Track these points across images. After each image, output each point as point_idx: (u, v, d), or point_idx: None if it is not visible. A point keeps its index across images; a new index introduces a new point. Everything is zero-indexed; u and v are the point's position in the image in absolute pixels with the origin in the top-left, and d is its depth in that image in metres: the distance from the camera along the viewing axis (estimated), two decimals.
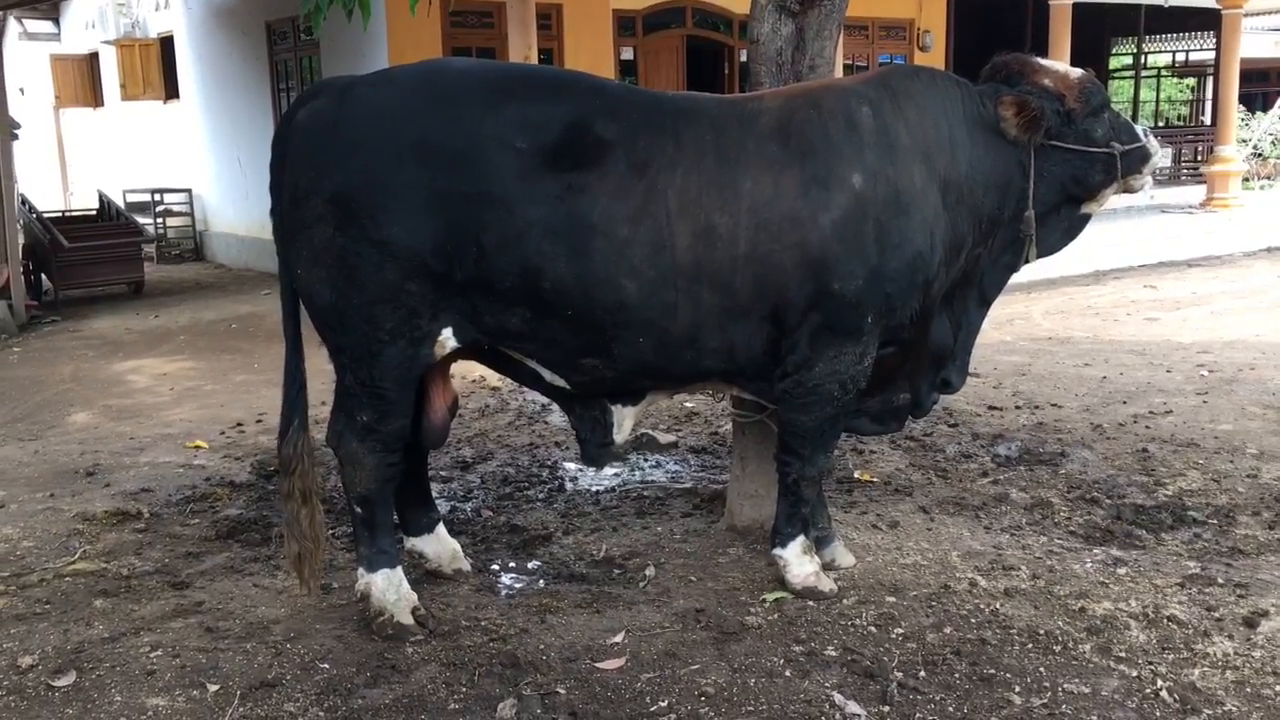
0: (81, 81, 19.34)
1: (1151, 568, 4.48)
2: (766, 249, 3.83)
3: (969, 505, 5.25)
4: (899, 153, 3.95)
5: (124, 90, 17.04)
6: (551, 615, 4.12)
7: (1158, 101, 24.89)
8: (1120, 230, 15.28)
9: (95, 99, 19.46)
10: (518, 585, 4.46)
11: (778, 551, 4.26)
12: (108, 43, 17.31)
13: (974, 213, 4.14)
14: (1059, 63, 4.49)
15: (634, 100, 3.93)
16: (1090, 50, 19.53)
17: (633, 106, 3.88)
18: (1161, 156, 4.53)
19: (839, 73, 13.83)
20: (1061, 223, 4.31)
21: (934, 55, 16.23)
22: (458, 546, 4.56)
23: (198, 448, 6.63)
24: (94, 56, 19.07)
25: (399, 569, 4.07)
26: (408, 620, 3.97)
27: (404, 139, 3.71)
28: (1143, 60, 21.19)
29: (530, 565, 4.67)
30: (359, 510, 4.02)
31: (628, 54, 13.81)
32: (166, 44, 16.72)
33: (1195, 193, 18.05)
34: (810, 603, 4.17)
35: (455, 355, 4.07)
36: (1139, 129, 4.36)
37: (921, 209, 3.95)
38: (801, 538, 4.23)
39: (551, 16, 12.90)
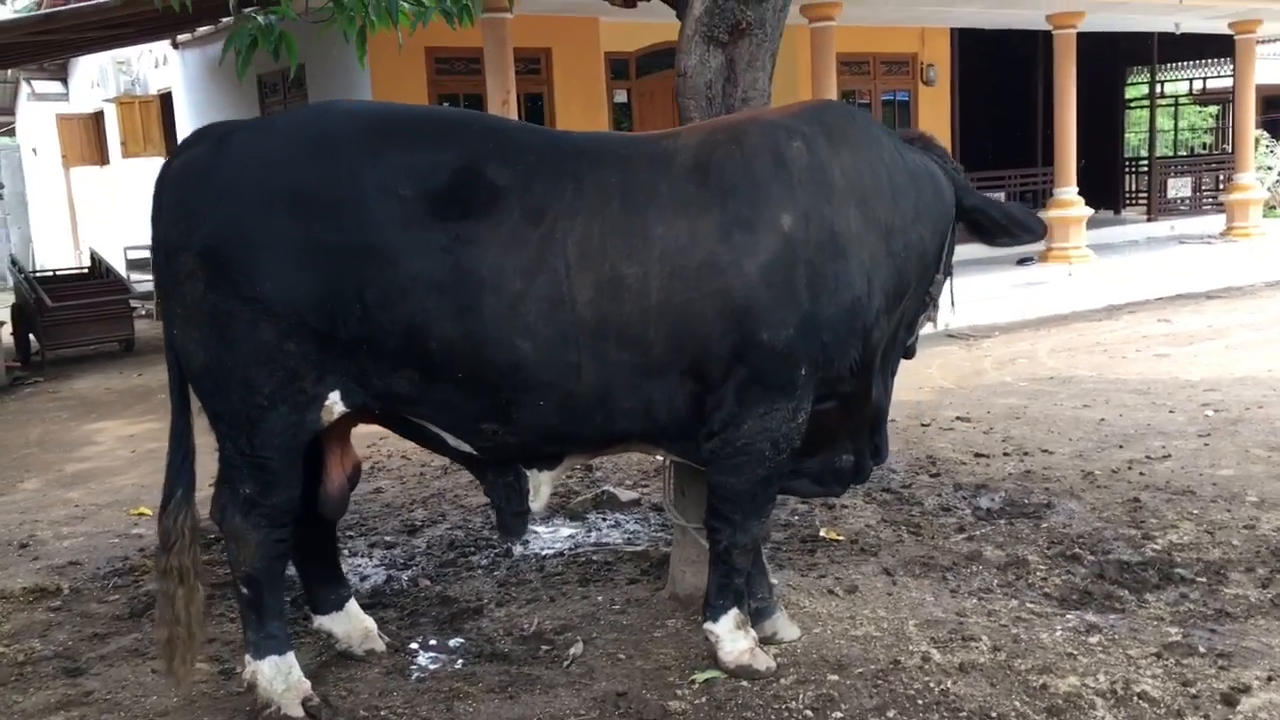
0: (87, 140, 19.32)
1: (1128, 635, 4.08)
2: (683, 298, 3.50)
3: (937, 565, 4.86)
4: (835, 192, 3.63)
5: (125, 147, 16.97)
6: (460, 702, 3.77)
7: (1176, 130, 24.42)
8: (1136, 262, 14.87)
9: (101, 157, 19.44)
10: (433, 666, 4.11)
11: (709, 626, 3.89)
12: (109, 100, 17.29)
13: (922, 259, 3.86)
14: None
15: (532, 142, 3.63)
16: (1105, 80, 19.16)
17: (529, 149, 3.58)
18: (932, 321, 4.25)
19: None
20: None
21: (939, 89, 15.93)
22: (371, 625, 4.22)
23: (141, 514, 6.34)
24: (99, 115, 19.06)
25: (289, 655, 3.73)
26: (296, 712, 3.63)
27: (276, 188, 3.43)
28: (1159, 89, 20.75)
29: (452, 643, 4.32)
30: (245, 591, 3.69)
31: (621, 97, 13.60)
32: (166, 100, 16.67)
33: (1215, 222, 17.59)
34: (744, 683, 3.80)
35: (354, 419, 3.77)
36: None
37: (859, 253, 3.64)
38: (735, 611, 3.87)
39: (541, 60, 12.70)
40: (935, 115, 15.98)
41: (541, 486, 3.85)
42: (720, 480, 3.75)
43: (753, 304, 3.51)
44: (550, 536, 5.66)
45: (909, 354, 4.17)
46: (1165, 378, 8.70)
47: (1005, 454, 6.67)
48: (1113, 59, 19.43)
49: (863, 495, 5.92)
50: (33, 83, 21.01)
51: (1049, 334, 11.33)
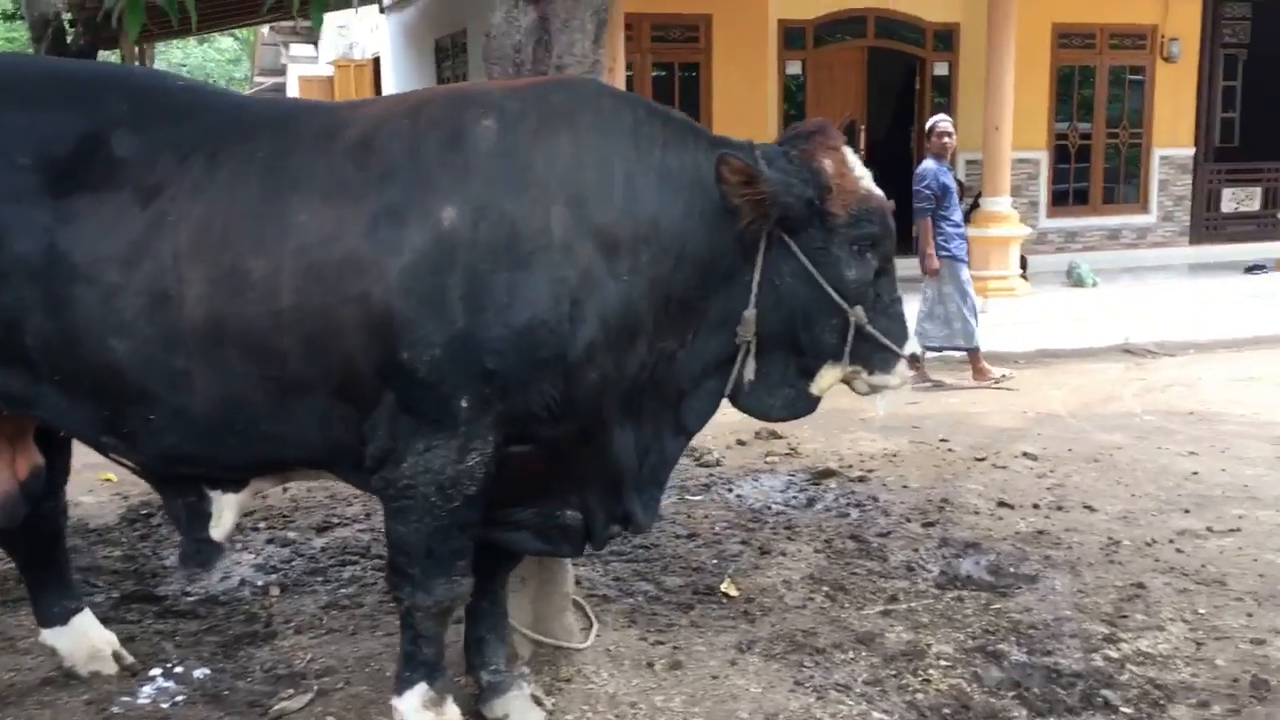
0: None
1: None
2: (320, 303, 2.86)
3: (810, 647, 3.95)
4: (528, 186, 2.88)
5: None
6: None
7: None
8: None
9: None
10: (142, 701, 3.63)
11: (394, 702, 3.21)
12: (330, 63, 17.89)
13: (656, 288, 2.99)
14: (861, 167, 3.17)
15: (177, 108, 3.05)
16: None
17: (171, 115, 3.02)
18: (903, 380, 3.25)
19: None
20: (786, 375, 3.17)
21: (1182, 66, 13.96)
22: (101, 644, 3.78)
23: (106, 480, 6.22)
24: (333, 78, 19.81)
25: None
26: None
27: None
28: None
29: (197, 674, 3.82)
30: None
31: (794, 69, 12.61)
32: (378, 64, 17.07)
33: None
34: None
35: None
36: (913, 339, 3.25)
37: (555, 266, 2.86)
38: (423, 686, 3.17)
39: (699, 28, 11.95)
40: (1176, 97, 14.05)
41: (224, 511, 3.29)
42: (391, 527, 3.08)
43: (392, 314, 2.82)
44: None
45: (752, 408, 3.23)
46: None
47: (1034, 506, 5.51)
48: None
49: (821, 541, 5.01)
50: (290, 46, 22.12)
51: (1245, 358, 9.62)
